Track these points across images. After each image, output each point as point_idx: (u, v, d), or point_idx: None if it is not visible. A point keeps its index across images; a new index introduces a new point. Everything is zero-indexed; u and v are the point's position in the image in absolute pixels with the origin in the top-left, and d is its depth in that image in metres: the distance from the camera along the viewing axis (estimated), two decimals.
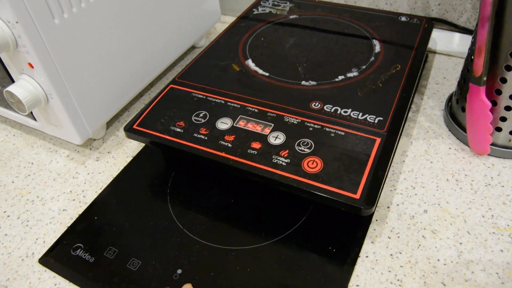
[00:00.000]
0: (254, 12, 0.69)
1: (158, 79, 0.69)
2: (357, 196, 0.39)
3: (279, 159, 0.43)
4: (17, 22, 0.42)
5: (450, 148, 0.54)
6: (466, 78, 0.51)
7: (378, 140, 0.44)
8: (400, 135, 0.54)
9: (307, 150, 0.44)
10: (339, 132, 0.45)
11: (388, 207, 0.47)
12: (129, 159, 0.55)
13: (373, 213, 0.46)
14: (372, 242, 0.44)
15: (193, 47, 0.75)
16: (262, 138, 0.45)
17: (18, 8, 0.41)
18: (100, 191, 0.52)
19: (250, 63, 0.57)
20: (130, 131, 0.49)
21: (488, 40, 0.44)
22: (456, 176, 0.50)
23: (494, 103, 0.48)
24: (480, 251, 0.43)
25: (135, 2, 0.55)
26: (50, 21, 0.44)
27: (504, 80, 0.46)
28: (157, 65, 0.63)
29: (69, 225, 0.48)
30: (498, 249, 0.43)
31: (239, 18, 0.68)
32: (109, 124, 0.61)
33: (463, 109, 0.53)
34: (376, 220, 0.46)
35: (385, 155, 0.43)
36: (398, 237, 0.44)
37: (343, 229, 0.45)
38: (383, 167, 0.42)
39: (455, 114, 0.55)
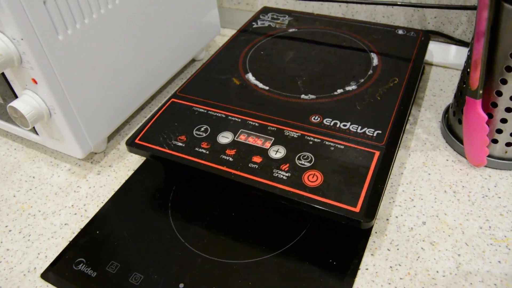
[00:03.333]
0: (254, 26, 0.70)
1: (159, 92, 0.70)
2: (357, 209, 0.40)
3: (280, 173, 0.43)
4: (22, 39, 0.42)
5: (447, 160, 0.54)
6: (462, 91, 0.52)
7: (377, 153, 0.45)
8: (399, 147, 0.55)
9: (308, 164, 0.44)
10: (339, 146, 0.46)
11: (387, 219, 0.48)
12: (130, 173, 0.56)
13: (373, 225, 0.47)
14: (372, 255, 0.45)
15: (193, 60, 0.76)
16: (263, 152, 0.46)
17: (24, 25, 0.42)
18: (101, 205, 0.52)
19: (250, 76, 0.58)
20: (132, 145, 0.49)
21: (484, 55, 0.45)
22: (454, 187, 0.51)
23: (490, 116, 0.49)
24: (478, 263, 0.43)
25: (137, 18, 0.56)
26: (54, 37, 0.45)
27: (499, 93, 0.47)
28: (158, 79, 0.64)
29: (71, 239, 0.48)
30: (496, 260, 0.44)
31: (239, 32, 0.68)
32: (110, 137, 0.62)
33: (460, 121, 0.53)
34: (376, 233, 0.47)
35: (384, 168, 0.44)
36: (398, 249, 0.45)
37: (343, 241, 0.45)
38: (382, 180, 0.43)
39: (452, 126, 0.56)
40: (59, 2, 0.45)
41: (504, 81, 0.46)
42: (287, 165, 0.44)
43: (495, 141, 0.51)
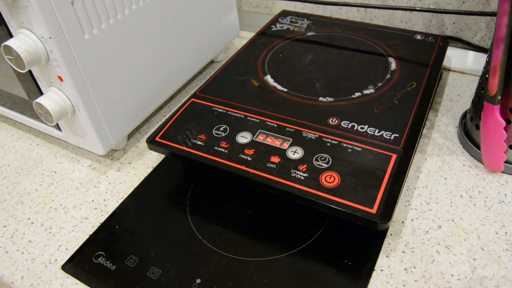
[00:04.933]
0: (273, 29, 0.71)
1: (178, 92, 0.71)
2: (374, 210, 0.40)
3: (297, 173, 0.44)
4: (50, 38, 0.44)
5: (464, 165, 0.54)
6: (480, 96, 0.53)
7: (394, 156, 0.46)
8: (415, 151, 0.55)
9: (325, 165, 0.45)
10: (356, 148, 0.47)
11: (403, 222, 0.48)
12: (149, 170, 0.57)
13: (388, 227, 0.47)
14: (387, 256, 0.45)
15: (211, 62, 0.77)
16: (281, 153, 0.47)
17: (52, 24, 0.43)
18: (121, 200, 0.53)
19: (269, 78, 0.59)
20: (152, 143, 0.50)
21: (503, 61, 0.45)
22: (470, 192, 0.51)
23: (508, 122, 0.49)
24: (494, 268, 0.44)
25: (159, 19, 0.57)
26: (80, 36, 0.47)
27: None
28: (178, 79, 0.65)
29: (91, 233, 0.49)
30: None
31: (258, 34, 0.69)
32: (130, 135, 0.63)
33: (477, 127, 0.54)
34: (391, 235, 0.47)
35: (401, 171, 0.44)
36: (413, 251, 0.45)
37: (358, 243, 0.46)
38: (398, 182, 0.43)
39: (469, 132, 0.56)
40: (86, 3, 0.46)
41: None
42: (305, 165, 0.45)
43: None
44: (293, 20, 0.73)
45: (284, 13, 0.75)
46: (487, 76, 0.49)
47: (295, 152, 0.47)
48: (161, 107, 0.68)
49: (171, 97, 0.70)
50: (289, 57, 0.63)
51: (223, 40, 0.73)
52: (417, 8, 0.68)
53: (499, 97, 0.47)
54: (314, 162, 0.45)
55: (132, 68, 0.55)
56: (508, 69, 0.47)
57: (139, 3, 0.53)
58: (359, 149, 0.46)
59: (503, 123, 0.48)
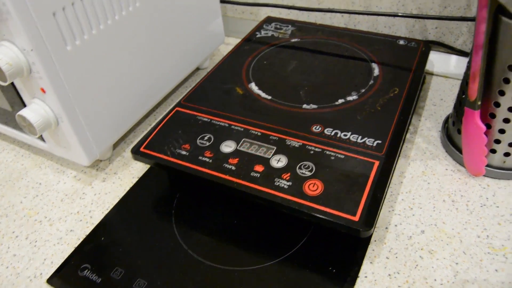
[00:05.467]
0: (257, 35, 0.71)
1: (163, 100, 0.71)
2: (356, 218, 0.41)
3: (281, 182, 0.44)
4: (32, 50, 0.44)
5: (446, 169, 0.55)
6: (461, 101, 0.53)
7: (377, 163, 0.46)
8: (398, 157, 0.56)
9: (308, 173, 0.45)
10: (339, 155, 0.47)
11: (387, 228, 0.49)
12: (135, 180, 0.57)
13: (372, 234, 0.48)
14: (371, 263, 0.45)
15: (197, 69, 0.77)
16: (265, 161, 0.47)
17: (34, 36, 0.43)
18: (106, 211, 0.53)
19: (253, 86, 0.59)
20: (137, 153, 0.50)
21: (482, 67, 0.46)
22: (453, 196, 0.52)
23: (489, 126, 0.50)
24: (476, 271, 0.44)
25: (143, 28, 0.57)
26: (63, 48, 0.46)
27: (497, 104, 0.48)
28: (163, 88, 0.65)
29: (76, 245, 0.49)
30: (493, 269, 0.44)
31: (242, 41, 0.70)
32: (116, 145, 0.63)
33: (459, 131, 0.54)
34: (375, 241, 0.47)
35: (383, 178, 0.45)
36: (396, 257, 0.46)
37: (343, 249, 0.46)
38: (381, 189, 0.44)
39: (451, 136, 0.57)
40: (68, 14, 0.46)
41: (502, 93, 0.47)
42: (288, 174, 0.45)
43: (493, 151, 0.52)
44: (278, 26, 0.73)
45: (269, 20, 0.75)
46: (467, 81, 0.50)
47: (278, 160, 0.47)
48: (146, 116, 0.68)
49: (157, 106, 0.70)
50: (273, 64, 0.64)
51: (208, 47, 0.73)
52: (400, 14, 0.69)
53: (479, 103, 0.48)
54: (298, 171, 0.46)
55: (116, 77, 0.55)
56: (487, 75, 0.48)
57: (122, 13, 0.53)
58: (342, 156, 0.47)
59: (484, 128, 0.49)
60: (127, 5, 0.54)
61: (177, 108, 0.56)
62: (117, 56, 0.54)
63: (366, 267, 0.45)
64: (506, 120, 0.48)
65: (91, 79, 0.51)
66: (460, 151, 0.55)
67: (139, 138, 0.63)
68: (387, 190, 0.52)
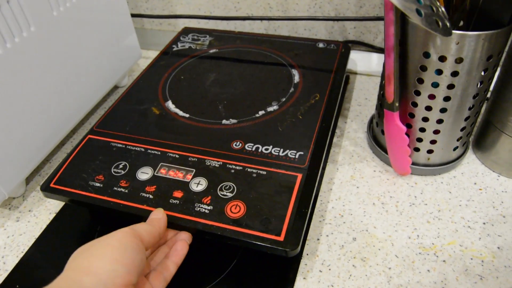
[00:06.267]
0: (174, 49, 0.68)
1: (81, 124, 0.67)
2: (281, 238, 0.39)
3: (201, 207, 0.42)
4: None
5: (374, 171, 0.55)
6: (382, 103, 0.53)
7: (300, 176, 0.45)
8: (325, 165, 0.55)
9: (230, 195, 0.43)
10: (261, 172, 0.45)
11: (318, 239, 0.47)
12: (52, 216, 0.53)
13: (303, 248, 0.46)
14: (304, 278, 0.44)
15: (116, 87, 0.74)
16: (184, 186, 0.44)
17: None
18: (21, 255, 0.49)
19: (170, 104, 0.56)
20: (47, 190, 0.46)
21: (396, 69, 0.45)
22: (382, 199, 0.51)
23: (409, 126, 0.50)
24: (409, 274, 0.44)
25: (49, 49, 0.53)
26: None
27: (415, 104, 0.48)
28: (77, 112, 0.61)
29: None
30: (425, 270, 0.44)
31: (159, 56, 0.67)
32: (29, 179, 0.58)
33: (383, 132, 0.54)
34: (307, 254, 0.46)
35: (308, 191, 0.43)
36: (329, 269, 0.45)
37: (275, 267, 0.44)
38: (306, 203, 0.42)
39: (376, 137, 0.57)
40: None
41: (417, 93, 0.47)
42: (209, 197, 0.43)
43: (417, 149, 0.52)
44: (195, 37, 0.70)
45: (186, 31, 0.73)
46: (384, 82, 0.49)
47: (198, 183, 0.44)
48: (62, 143, 0.64)
49: (73, 131, 0.66)
50: (191, 78, 0.61)
51: (124, 65, 0.69)
52: (317, 18, 0.68)
53: (397, 104, 0.48)
54: (219, 193, 0.43)
55: (22, 104, 0.50)
56: (402, 76, 0.47)
57: (22, 34, 0.49)
58: (264, 172, 0.45)
59: (404, 128, 0.49)
60: (27, 27, 0.49)
61: (89, 136, 0.52)
62: (23, 79, 0.50)
63: (299, 284, 0.44)
64: (425, 119, 0.48)
65: None
66: (386, 151, 0.55)
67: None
68: (315, 201, 0.51)
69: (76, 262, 0.34)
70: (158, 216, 0.40)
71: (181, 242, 0.41)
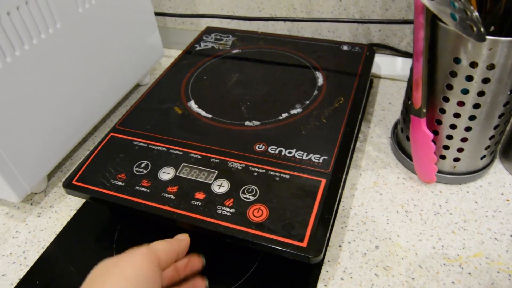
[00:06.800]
0: (196, 48, 0.68)
1: (102, 122, 0.67)
2: (304, 244, 0.38)
3: (223, 210, 0.42)
4: None
5: (398, 178, 0.54)
6: (408, 108, 0.52)
7: (324, 181, 0.44)
8: (348, 170, 0.54)
9: (252, 198, 0.42)
10: (284, 175, 0.44)
11: (340, 246, 0.47)
12: (73, 213, 0.53)
13: (325, 255, 0.45)
14: (325, 286, 0.43)
15: (137, 85, 0.74)
16: (206, 187, 0.44)
17: None
18: (42, 250, 0.49)
19: (192, 104, 0.56)
20: (69, 187, 0.46)
21: (424, 74, 0.44)
22: (406, 207, 0.50)
23: (436, 133, 0.49)
24: (433, 285, 0.43)
25: (74, 46, 0.53)
26: None
27: (443, 111, 0.47)
28: (100, 109, 0.61)
29: None
30: (450, 281, 0.43)
31: (181, 55, 0.66)
32: (51, 175, 0.58)
33: (408, 138, 0.53)
34: (329, 261, 0.45)
35: (332, 197, 0.42)
36: (351, 277, 0.44)
37: (295, 273, 0.44)
38: (329, 209, 0.41)
39: (401, 143, 0.56)
40: None
41: (446, 99, 0.46)
42: (231, 200, 0.42)
43: (443, 157, 0.51)
44: (218, 37, 0.70)
45: (209, 30, 0.72)
46: (412, 87, 0.48)
47: (220, 185, 0.44)
48: (84, 140, 0.64)
49: (95, 128, 0.66)
50: (213, 78, 0.61)
51: (146, 63, 0.69)
52: (341, 20, 0.67)
53: (424, 110, 0.47)
54: (241, 195, 0.43)
55: (46, 102, 0.51)
56: (430, 82, 0.46)
57: (48, 30, 0.49)
58: (287, 176, 0.44)
59: (431, 135, 0.48)
60: (53, 24, 0.50)
61: (111, 134, 0.52)
62: (46, 78, 0.50)
63: None
64: (453, 126, 0.47)
65: (16, 106, 0.47)
66: (410, 158, 0.53)
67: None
68: (337, 207, 0.50)
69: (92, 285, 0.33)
70: (181, 238, 0.39)
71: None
